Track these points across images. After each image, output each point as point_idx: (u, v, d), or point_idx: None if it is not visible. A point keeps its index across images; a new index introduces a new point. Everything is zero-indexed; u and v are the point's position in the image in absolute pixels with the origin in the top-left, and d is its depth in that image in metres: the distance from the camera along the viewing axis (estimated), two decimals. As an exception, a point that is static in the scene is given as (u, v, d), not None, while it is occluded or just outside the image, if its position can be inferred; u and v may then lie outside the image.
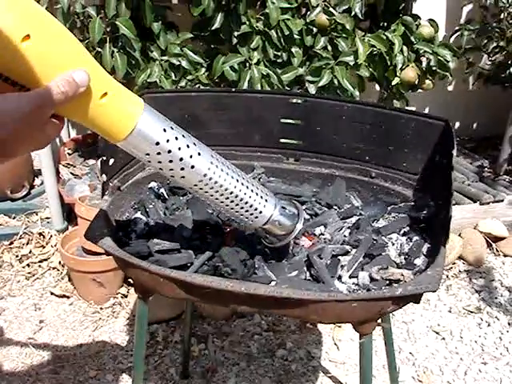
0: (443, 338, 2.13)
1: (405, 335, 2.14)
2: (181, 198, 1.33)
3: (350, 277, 1.08)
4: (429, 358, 2.03)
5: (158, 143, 0.84)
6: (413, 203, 1.26)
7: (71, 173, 2.69)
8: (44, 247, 2.48)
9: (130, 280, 2.25)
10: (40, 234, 2.52)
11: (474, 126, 3.56)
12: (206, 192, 0.95)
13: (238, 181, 0.97)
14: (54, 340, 2.07)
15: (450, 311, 2.28)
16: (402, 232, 1.22)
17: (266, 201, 1.03)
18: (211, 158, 0.92)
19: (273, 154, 1.42)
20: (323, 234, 1.19)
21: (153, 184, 1.34)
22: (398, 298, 0.94)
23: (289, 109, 1.38)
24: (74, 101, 0.73)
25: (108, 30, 2.14)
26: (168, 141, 0.85)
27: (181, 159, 0.88)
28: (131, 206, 1.29)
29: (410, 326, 2.18)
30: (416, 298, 0.99)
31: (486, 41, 2.79)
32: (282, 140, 1.40)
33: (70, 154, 2.86)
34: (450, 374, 1.95)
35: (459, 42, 2.85)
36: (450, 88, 3.39)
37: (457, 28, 2.87)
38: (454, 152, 1.06)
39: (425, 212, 1.22)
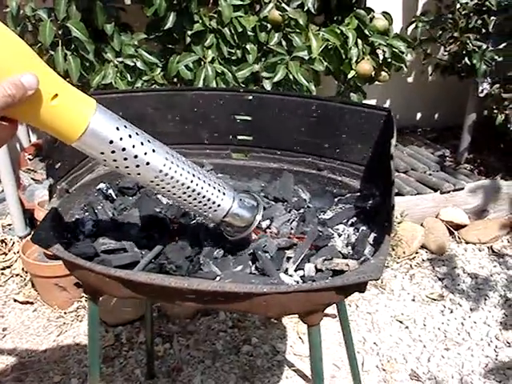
0: (407, 327, 2.15)
1: (369, 326, 2.16)
2: (130, 198, 1.33)
3: (297, 269, 1.09)
4: (393, 347, 2.06)
5: (111, 142, 0.86)
6: (359, 194, 1.28)
7: (32, 178, 2.66)
8: (6, 254, 2.45)
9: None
10: (2, 241, 2.49)
11: (436, 116, 3.60)
12: (163, 188, 0.96)
13: (194, 175, 0.98)
14: (17, 347, 2.05)
15: (413, 300, 2.31)
16: (349, 223, 1.23)
17: (224, 194, 1.05)
18: (166, 155, 0.94)
19: (221, 150, 1.42)
20: (270, 228, 1.20)
21: (101, 185, 1.33)
22: (340, 287, 0.95)
23: (236, 105, 1.38)
24: (24, 104, 0.74)
25: (60, 32, 2.12)
26: (122, 139, 0.87)
27: (135, 156, 0.89)
28: (80, 208, 1.28)
29: (374, 316, 2.21)
30: (360, 287, 1.00)
31: (440, 32, 2.83)
32: (231, 136, 1.41)
33: (30, 160, 2.82)
34: (413, 362, 1.98)
35: (416, 33, 2.88)
36: (410, 80, 3.42)
37: (413, 20, 2.90)
38: (393, 141, 1.07)
39: (370, 202, 1.23)
